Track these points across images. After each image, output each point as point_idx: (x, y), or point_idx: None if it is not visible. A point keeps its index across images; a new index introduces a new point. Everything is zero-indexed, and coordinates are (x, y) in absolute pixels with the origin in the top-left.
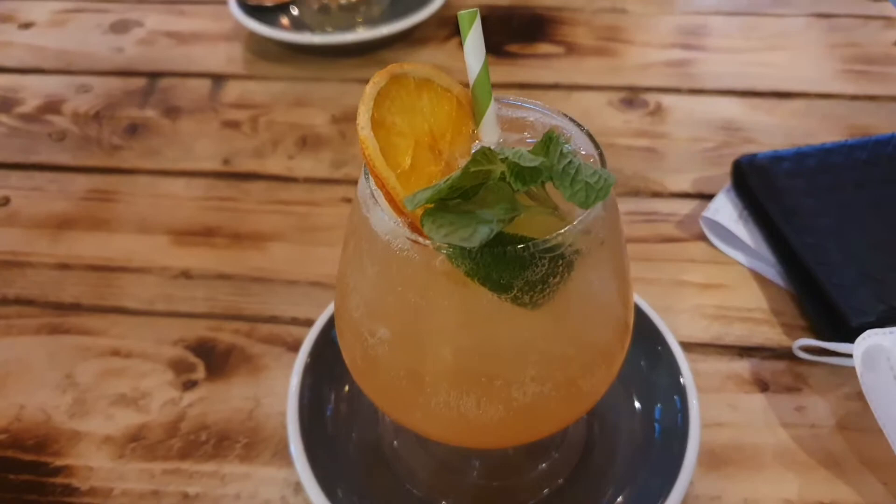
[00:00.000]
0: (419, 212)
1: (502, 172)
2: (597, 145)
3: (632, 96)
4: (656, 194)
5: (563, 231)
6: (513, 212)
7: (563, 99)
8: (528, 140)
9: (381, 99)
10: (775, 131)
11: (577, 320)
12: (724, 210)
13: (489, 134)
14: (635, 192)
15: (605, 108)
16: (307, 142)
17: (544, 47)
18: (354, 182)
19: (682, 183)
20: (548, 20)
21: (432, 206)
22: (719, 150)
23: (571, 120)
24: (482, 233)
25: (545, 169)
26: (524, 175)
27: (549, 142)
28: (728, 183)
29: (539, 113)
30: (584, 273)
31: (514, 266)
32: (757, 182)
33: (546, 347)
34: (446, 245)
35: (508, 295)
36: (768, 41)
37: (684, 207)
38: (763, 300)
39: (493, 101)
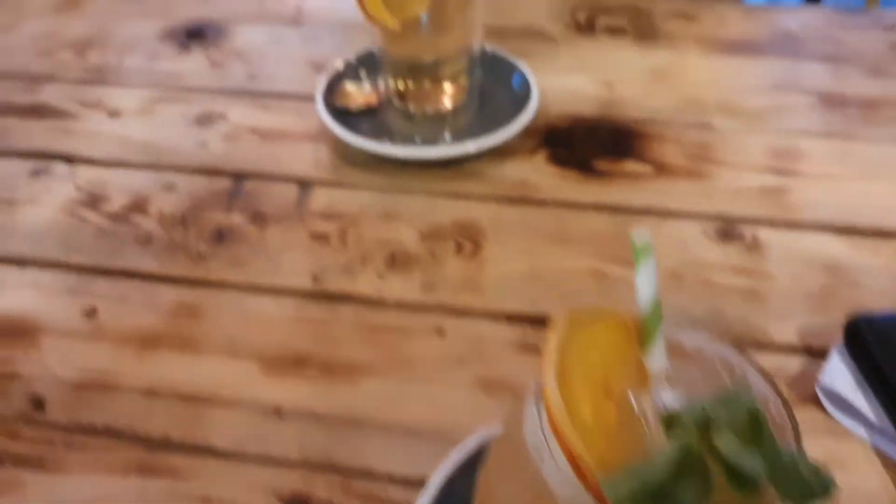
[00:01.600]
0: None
1: (697, 443)
2: (786, 403)
3: (727, 227)
4: (761, 345)
5: None
6: (709, 492)
7: (657, 227)
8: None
9: (564, 349)
10: (881, 274)
11: None
12: (841, 376)
13: (657, 365)
14: (738, 342)
15: (700, 240)
16: (396, 259)
17: (632, 165)
18: (447, 309)
19: (788, 332)
20: (635, 134)
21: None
22: (824, 293)
23: (749, 360)
24: None
25: (765, 470)
26: (744, 481)
27: (759, 427)
28: (840, 339)
29: (705, 344)
30: None
31: None
32: (878, 348)
33: None
34: None
35: None
36: (863, 168)
37: (793, 364)
38: (891, 484)
39: (661, 332)
